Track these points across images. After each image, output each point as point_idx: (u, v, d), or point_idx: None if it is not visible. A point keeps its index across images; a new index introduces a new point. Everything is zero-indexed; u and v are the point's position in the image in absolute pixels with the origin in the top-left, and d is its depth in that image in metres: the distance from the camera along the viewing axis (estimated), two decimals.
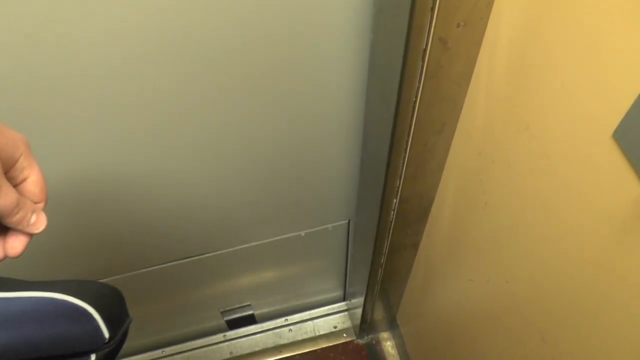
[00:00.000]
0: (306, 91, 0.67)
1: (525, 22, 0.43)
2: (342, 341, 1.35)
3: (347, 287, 1.33)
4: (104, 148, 0.66)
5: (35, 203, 0.34)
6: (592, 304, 0.43)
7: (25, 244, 0.34)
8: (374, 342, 1.34)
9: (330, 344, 1.35)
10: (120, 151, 0.67)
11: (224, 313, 1.28)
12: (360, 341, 1.35)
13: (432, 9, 0.48)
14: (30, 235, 0.34)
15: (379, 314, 1.23)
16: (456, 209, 0.69)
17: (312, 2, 0.55)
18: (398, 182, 0.72)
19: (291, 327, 1.38)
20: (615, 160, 0.35)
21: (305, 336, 1.37)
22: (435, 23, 0.49)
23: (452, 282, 0.78)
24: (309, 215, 0.96)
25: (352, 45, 0.61)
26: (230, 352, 1.36)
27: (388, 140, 0.62)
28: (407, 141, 0.64)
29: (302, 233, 1.00)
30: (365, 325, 1.26)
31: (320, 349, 1.34)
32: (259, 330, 1.38)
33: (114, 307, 0.41)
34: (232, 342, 1.37)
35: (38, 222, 0.34)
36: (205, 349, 1.37)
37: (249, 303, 1.27)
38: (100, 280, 0.84)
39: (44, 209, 0.35)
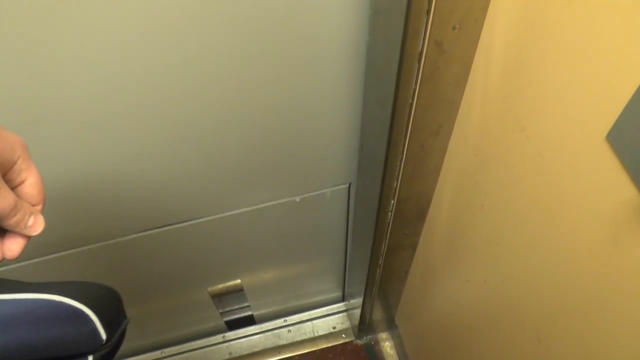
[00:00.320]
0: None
1: (520, 25, 0.43)
2: (341, 342, 1.35)
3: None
4: (90, 108, 0.60)
5: (33, 205, 0.34)
6: (587, 304, 0.44)
7: (23, 246, 0.34)
8: (372, 343, 1.35)
9: (329, 345, 1.35)
10: (108, 105, 0.61)
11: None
12: (359, 342, 1.35)
13: (428, 12, 0.48)
14: (28, 237, 0.35)
15: (377, 314, 1.23)
16: (453, 209, 0.70)
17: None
18: (396, 183, 0.72)
19: (290, 327, 1.38)
20: (608, 162, 0.36)
21: (305, 337, 1.37)
22: (431, 26, 0.49)
23: (450, 282, 0.78)
24: (305, 179, 0.86)
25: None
26: (230, 353, 1.36)
27: (385, 141, 0.63)
28: (404, 142, 0.64)
29: (297, 198, 0.91)
30: (364, 326, 1.27)
31: (319, 349, 1.34)
32: (258, 331, 1.38)
33: (111, 308, 0.41)
34: (231, 343, 1.37)
35: (36, 225, 0.34)
36: (204, 349, 1.37)
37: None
38: (82, 248, 0.80)
39: (42, 211, 0.35)
